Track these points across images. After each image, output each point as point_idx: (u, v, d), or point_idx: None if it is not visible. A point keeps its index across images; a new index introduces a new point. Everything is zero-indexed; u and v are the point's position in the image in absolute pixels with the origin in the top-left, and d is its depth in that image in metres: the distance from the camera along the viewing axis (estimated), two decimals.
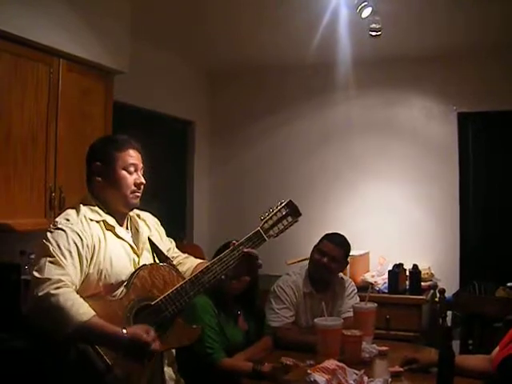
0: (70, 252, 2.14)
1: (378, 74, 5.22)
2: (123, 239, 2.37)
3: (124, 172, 2.35)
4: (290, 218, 2.54)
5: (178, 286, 2.32)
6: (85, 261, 2.18)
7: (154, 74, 4.81)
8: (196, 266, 2.53)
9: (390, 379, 2.69)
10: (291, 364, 2.80)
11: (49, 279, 2.03)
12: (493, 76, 4.87)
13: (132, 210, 2.45)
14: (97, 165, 2.36)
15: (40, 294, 2.01)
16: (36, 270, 2.08)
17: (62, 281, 2.05)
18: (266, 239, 2.48)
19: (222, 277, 2.43)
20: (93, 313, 2.05)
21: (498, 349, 2.63)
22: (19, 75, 3.12)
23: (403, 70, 5.15)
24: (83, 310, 2.03)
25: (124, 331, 2.07)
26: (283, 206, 2.54)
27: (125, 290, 2.25)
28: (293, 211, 2.55)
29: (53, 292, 2.00)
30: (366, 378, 2.52)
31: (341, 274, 3.71)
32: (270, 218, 2.51)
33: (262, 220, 2.50)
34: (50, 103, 3.30)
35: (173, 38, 4.65)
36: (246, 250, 2.42)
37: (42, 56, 3.25)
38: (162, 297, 2.28)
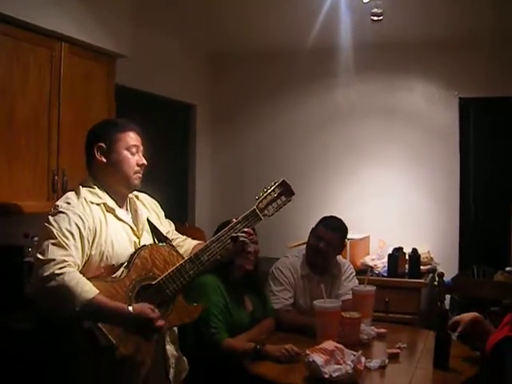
0: (72, 234, 2.17)
1: (380, 59, 5.21)
2: (124, 221, 2.40)
3: (126, 152, 2.40)
4: (283, 198, 2.58)
5: (178, 265, 2.36)
6: (86, 242, 2.22)
7: (156, 57, 4.80)
8: (193, 248, 2.57)
9: (386, 360, 2.74)
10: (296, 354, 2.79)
11: (53, 260, 2.07)
12: (495, 62, 4.85)
13: (133, 191, 2.49)
14: (100, 145, 2.39)
15: (45, 274, 2.05)
16: (39, 253, 2.11)
17: (66, 261, 2.09)
18: (261, 218, 2.53)
19: (218, 257, 2.47)
20: (96, 290, 2.09)
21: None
22: (21, 59, 3.13)
23: (405, 55, 5.14)
24: (88, 288, 2.08)
25: (130, 308, 2.13)
26: (277, 186, 2.59)
27: (126, 271, 2.29)
28: (286, 191, 2.59)
29: (57, 272, 2.04)
30: (363, 359, 2.55)
31: (339, 257, 3.73)
32: (265, 197, 2.56)
33: (257, 200, 2.55)
34: (53, 87, 3.32)
35: (174, 20, 4.64)
36: (235, 234, 2.46)
37: (44, 40, 3.26)
38: (162, 276, 2.33)
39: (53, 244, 2.11)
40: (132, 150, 2.41)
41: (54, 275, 2.04)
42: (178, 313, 2.38)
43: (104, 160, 2.39)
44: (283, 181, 2.61)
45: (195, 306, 2.46)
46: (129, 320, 2.14)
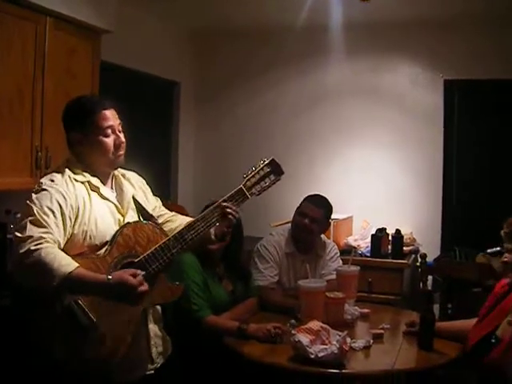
0: (53, 211, 2.14)
1: (367, 39, 5.19)
2: (108, 199, 2.37)
3: (101, 138, 2.33)
4: (272, 177, 2.53)
5: (161, 243, 2.33)
6: (68, 221, 2.18)
7: (139, 33, 4.74)
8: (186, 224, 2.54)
9: (371, 340, 2.77)
10: (281, 332, 2.80)
11: (30, 237, 2.03)
12: (480, 44, 4.86)
13: (117, 168, 2.46)
14: (74, 135, 2.35)
15: (21, 251, 2.01)
16: (17, 230, 2.08)
17: (43, 238, 2.05)
18: (248, 197, 2.49)
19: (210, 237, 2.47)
20: (76, 264, 2.05)
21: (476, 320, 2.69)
22: (5, 33, 3.08)
23: (391, 36, 5.13)
24: (66, 262, 2.04)
25: (109, 277, 2.09)
26: (266, 165, 2.54)
27: (108, 248, 2.26)
28: (275, 170, 2.54)
29: (33, 248, 2.00)
30: (348, 339, 2.57)
31: (323, 237, 3.75)
32: (253, 175, 2.51)
33: (244, 178, 2.51)
34: (37, 62, 3.27)
35: None
36: (225, 204, 2.44)
37: (29, 14, 3.20)
38: (145, 254, 2.29)
39: (31, 222, 2.08)
40: (107, 132, 2.34)
41: (30, 251, 2.00)
42: (160, 291, 2.36)
43: (81, 147, 2.35)
44: (272, 159, 2.55)
45: (177, 284, 2.44)
46: (109, 289, 2.08)
